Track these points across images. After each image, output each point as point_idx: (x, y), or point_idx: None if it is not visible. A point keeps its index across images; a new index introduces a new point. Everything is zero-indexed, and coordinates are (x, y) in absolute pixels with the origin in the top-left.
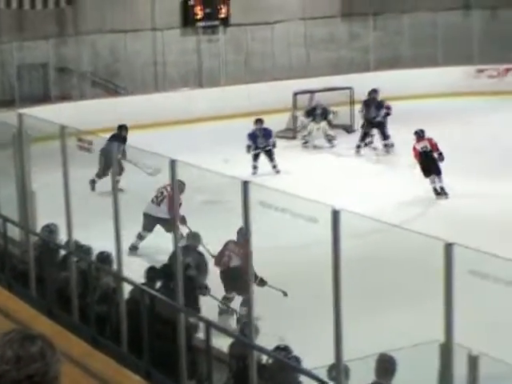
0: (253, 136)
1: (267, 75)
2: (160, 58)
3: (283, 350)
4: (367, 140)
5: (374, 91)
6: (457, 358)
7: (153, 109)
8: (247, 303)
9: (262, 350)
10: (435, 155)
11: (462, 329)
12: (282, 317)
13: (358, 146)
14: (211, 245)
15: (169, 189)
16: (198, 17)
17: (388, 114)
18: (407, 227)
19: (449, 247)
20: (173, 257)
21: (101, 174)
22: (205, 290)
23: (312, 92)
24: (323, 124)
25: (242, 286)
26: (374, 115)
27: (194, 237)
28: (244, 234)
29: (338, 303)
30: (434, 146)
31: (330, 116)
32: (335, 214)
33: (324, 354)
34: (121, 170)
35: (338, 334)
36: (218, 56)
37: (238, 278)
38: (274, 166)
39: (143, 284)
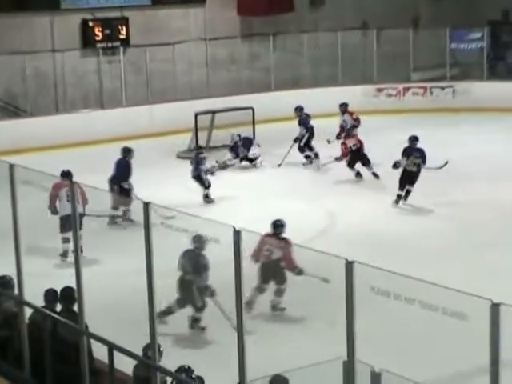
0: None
1: (169, 96)
2: (60, 79)
3: (185, 370)
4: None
5: (296, 109)
6: (360, 375)
7: (53, 130)
8: (281, 293)
9: (165, 371)
10: (364, 151)
11: (367, 345)
12: (186, 337)
13: (307, 157)
14: (112, 264)
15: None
16: (98, 38)
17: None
18: (309, 245)
19: (349, 265)
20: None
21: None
22: (212, 291)
23: (213, 112)
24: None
25: (281, 276)
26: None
27: (200, 240)
28: (279, 225)
29: (240, 322)
30: (362, 145)
31: (255, 148)
32: (236, 234)
33: (229, 375)
34: None
35: (240, 353)
36: (118, 77)
37: (279, 269)
38: (207, 196)
39: (43, 307)
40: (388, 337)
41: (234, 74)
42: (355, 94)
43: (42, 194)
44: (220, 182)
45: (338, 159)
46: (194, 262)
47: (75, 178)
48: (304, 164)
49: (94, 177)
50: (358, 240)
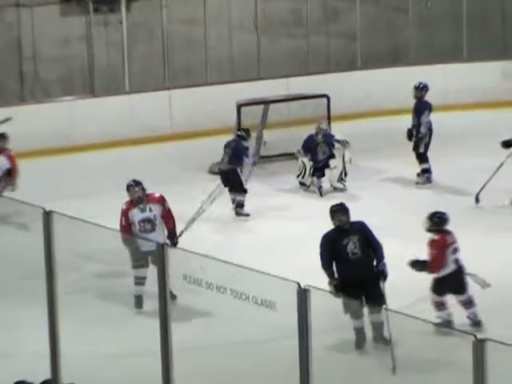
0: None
1: (195, 76)
2: (28, 49)
3: None
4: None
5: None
6: None
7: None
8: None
9: None
10: None
11: None
12: None
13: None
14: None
15: None
16: None
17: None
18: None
19: (479, 344)
20: None
21: None
22: None
23: (265, 102)
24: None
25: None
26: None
27: None
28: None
29: None
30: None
31: (346, 150)
32: (302, 294)
33: None
34: None
35: None
36: (118, 47)
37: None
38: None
39: None
40: None
41: (299, 43)
42: (490, 74)
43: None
44: (279, 207)
45: None
46: None
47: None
48: (418, 183)
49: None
50: (492, 303)
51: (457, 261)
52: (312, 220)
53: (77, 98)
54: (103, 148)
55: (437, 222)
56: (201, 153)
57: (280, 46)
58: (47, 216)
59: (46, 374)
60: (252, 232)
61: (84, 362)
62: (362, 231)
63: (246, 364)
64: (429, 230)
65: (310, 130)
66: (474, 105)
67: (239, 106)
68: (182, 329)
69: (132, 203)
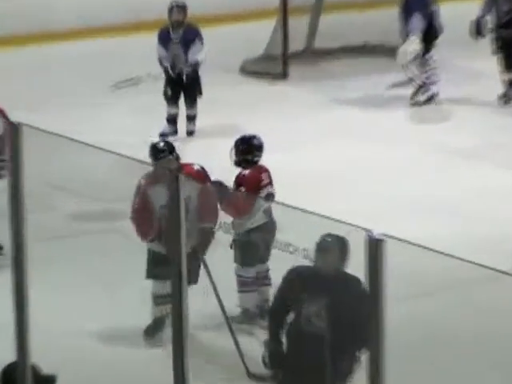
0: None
1: None
2: None
3: None
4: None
5: None
6: None
7: None
8: None
9: None
10: None
11: None
12: None
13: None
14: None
15: None
16: None
17: None
18: None
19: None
20: None
21: None
22: None
23: None
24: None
25: None
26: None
27: None
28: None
29: None
30: None
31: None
32: (374, 245)
33: None
34: None
35: None
36: None
37: None
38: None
39: None
40: None
41: None
42: None
43: None
44: (335, 124)
45: None
46: None
47: None
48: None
49: None
50: None
51: (268, 212)
52: (377, 143)
53: None
54: (84, 36)
55: (245, 150)
56: (225, 47)
57: None
58: (15, 130)
59: (9, 355)
60: (296, 158)
61: (62, 339)
62: (344, 295)
63: None
64: (237, 164)
65: (382, 13)
66: None
67: None
68: None
69: (152, 179)
